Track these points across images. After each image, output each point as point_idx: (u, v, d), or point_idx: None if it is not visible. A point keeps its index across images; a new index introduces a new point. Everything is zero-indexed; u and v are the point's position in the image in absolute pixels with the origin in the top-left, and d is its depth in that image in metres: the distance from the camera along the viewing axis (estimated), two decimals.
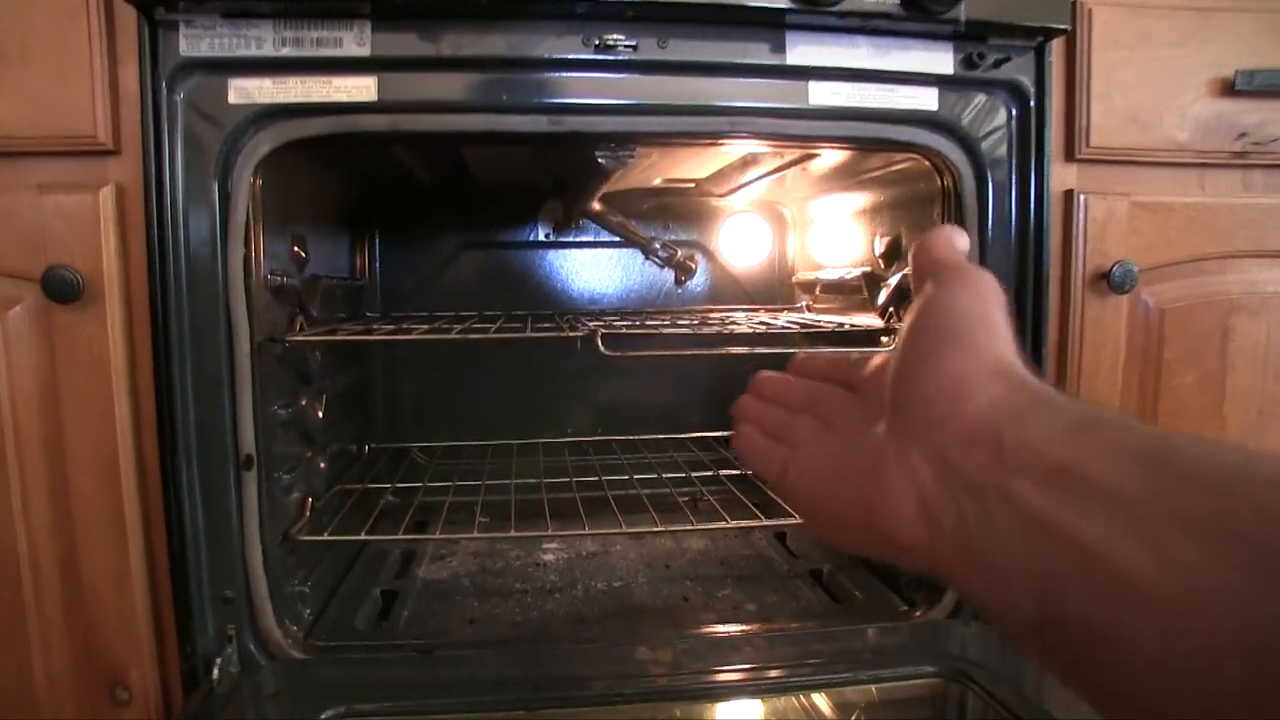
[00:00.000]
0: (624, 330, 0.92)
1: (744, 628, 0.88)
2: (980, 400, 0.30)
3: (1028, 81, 0.81)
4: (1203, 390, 0.91)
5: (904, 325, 0.35)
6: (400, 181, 1.22)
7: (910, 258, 0.38)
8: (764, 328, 0.96)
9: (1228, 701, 0.21)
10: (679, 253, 1.36)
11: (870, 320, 1.04)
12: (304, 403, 0.96)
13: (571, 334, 0.89)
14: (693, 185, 1.21)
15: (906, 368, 0.34)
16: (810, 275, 1.33)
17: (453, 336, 0.87)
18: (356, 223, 1.30)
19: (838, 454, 0.39)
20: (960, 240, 0.37)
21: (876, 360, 0.40)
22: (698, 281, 1.42)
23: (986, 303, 0.33)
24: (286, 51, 0.72)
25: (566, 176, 1.15)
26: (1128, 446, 0.25)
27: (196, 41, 0.72)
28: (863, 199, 1.11)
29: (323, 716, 0.68)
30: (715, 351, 0.96)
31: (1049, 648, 0.26)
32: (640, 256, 1.39)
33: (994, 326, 0.33)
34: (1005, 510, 0.27)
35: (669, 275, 1.41)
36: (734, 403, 0.49)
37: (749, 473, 1.19)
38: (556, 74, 0.75)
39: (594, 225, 1.35)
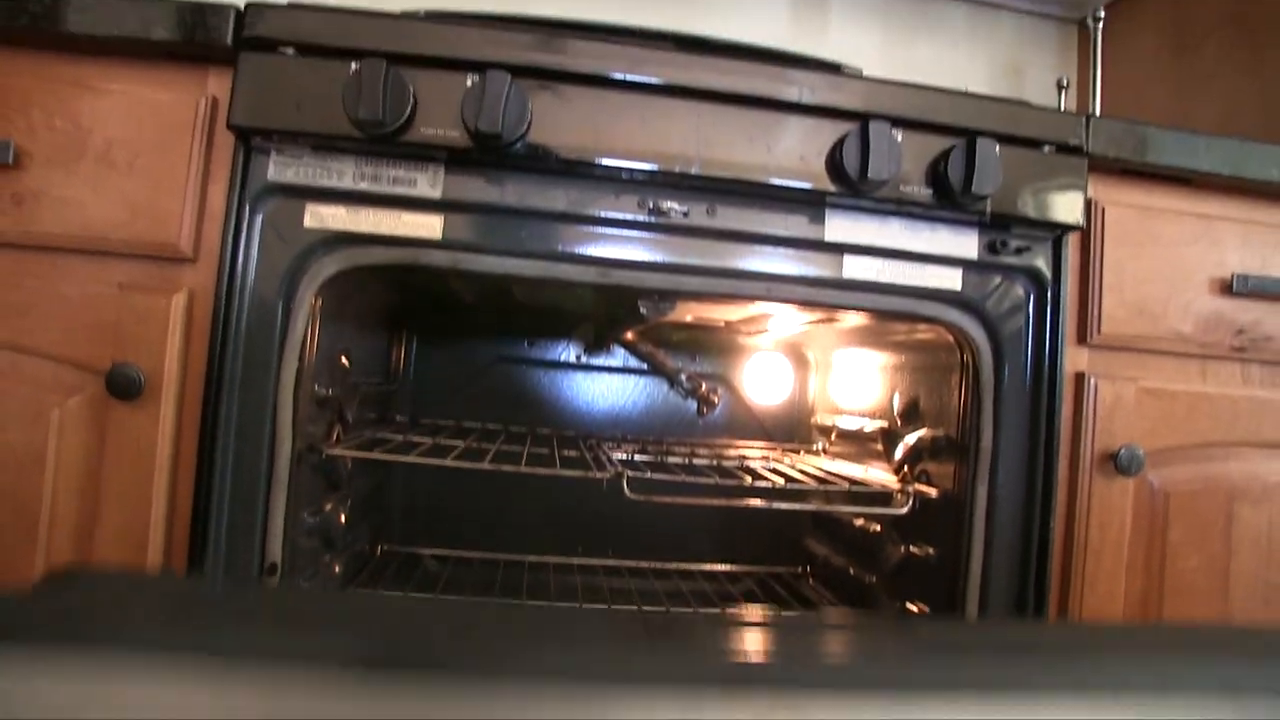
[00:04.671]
0: (648, 475, 0.94)
1: None
2: None
3: (1046, 269, 0.87)
4: (1208, 573, 0.92)
5: None
6: (444, 296, 1.27)
7: None
8: (782, 479, 0.98)
9: None
10: (703, 385, 1.40)
11: (885, 477, 1.07)
12: (329, 508, 0.97)
13: (599, 475, 0.91)
14: (723, 324, 1.26)
15: None
16: (829, 420, 1.35)
17: (484, 466, 0.90)
18: (395, 325, 1.34)
19: None
20: None
21: None
22: (718, 414, 1.45)
23: None
24: (364, 185, 0.78)
25: (605, 315, 1.19)
26: None
27: (284, 168, 0.78)
28: (885, 357, 1.16)
29: None
30: (735, 503, 0.98)
31: None
32: (665, 385, 1.43)
33: None
34: None
35: (692, 405, 1.44)
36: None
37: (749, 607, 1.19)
38: (610, 230, 0.81)
39: (623, 350, 1.40)
